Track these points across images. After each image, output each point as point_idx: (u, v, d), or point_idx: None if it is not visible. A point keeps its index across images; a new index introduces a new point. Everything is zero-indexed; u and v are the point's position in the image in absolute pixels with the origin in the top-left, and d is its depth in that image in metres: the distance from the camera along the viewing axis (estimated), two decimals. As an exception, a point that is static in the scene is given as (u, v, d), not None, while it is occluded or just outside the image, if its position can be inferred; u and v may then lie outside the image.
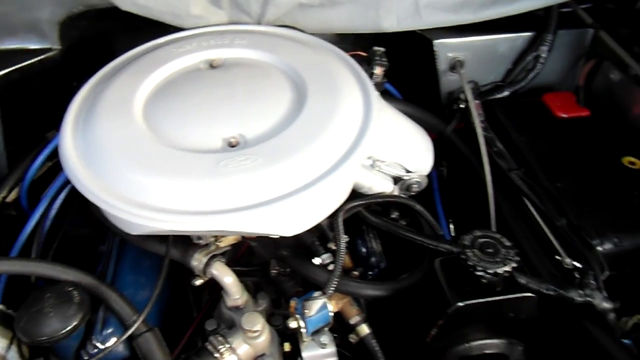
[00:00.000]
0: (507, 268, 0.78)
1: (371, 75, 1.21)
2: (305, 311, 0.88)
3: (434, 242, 0.94)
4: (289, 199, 0.84)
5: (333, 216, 0.98)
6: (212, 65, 1.11)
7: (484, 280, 0.79)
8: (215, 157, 0.87)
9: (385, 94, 1.34)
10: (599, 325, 0.90)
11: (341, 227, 0.96)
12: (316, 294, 0.88)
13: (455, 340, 0.85)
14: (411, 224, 1.13)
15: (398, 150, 1.09)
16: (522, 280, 0.89)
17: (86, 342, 0.90)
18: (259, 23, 1.26)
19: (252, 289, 1.13)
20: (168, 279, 0.99)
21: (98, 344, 0.89)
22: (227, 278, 0.96)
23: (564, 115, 1.31)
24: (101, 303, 0.92)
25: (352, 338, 0.97)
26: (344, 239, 0.95)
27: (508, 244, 0.81)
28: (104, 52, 1.25)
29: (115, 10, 1.20)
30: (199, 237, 1.01)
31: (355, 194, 1.03)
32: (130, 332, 0.87)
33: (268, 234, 0.91)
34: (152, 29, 1.24)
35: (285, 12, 1.26)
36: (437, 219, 1.32)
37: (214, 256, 0.97)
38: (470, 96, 1.26)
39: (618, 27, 1.29)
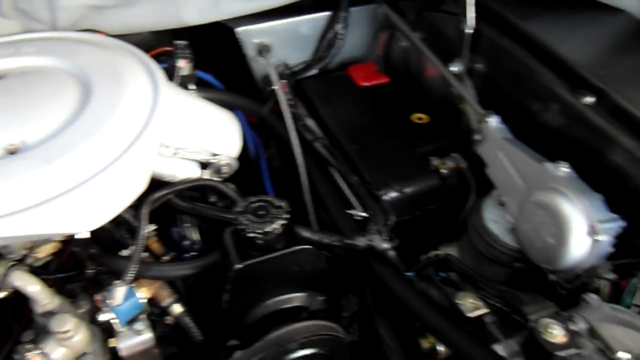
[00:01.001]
0: (275, 226, 0.85)
1: (175, 68, 1.26)
2: (109, 301, 0.90)
3: (228, 215, 1.00)
4: (71, 193, 0.85)
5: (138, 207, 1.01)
6: (-3, 77, 1.09)
7: (260, 241, 0.86)
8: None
9: (201, 85, 1.39)
10: (384, 264, 1.00)
11: (144, 217, 0.99)
12: (116, 282, 0.91)
13: (249, 302, 0.91)
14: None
15: (201, 136, 1.14)
16: (307, 235, 0.97)
17: None
18: (53, 29, 1.25)
19: (80, 293, 1.13)
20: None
21: None
22: (31, 286, 0.96)
23: (366, 84, 1.43)
24: None
25: (168, 320, 1.01)
26: (147, 228, 0.98)
27: (279, 204, 0.89)
28: None
29: None
30: (10, 252, 1.00)
31: (162, 183, 1.07)
32: None
33: (61, 233, 0.92)
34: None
35: (80, 16, 1.26)
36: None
37: (13, 265, 0.96)
38: (275, 78, 1.34)
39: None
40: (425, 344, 0.94)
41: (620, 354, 0.70)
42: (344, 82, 1.44)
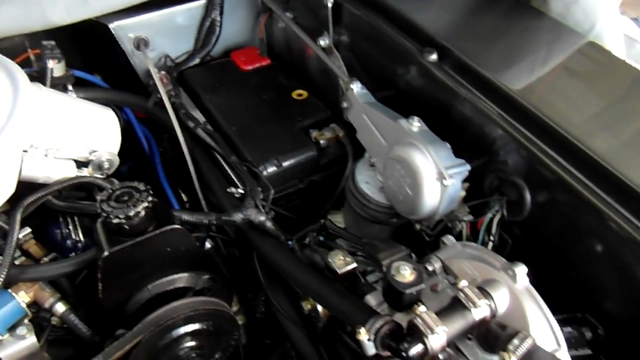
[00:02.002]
0: (138, 209, 0.86)
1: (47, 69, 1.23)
2: (-20, 310, 0.89)
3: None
4: None
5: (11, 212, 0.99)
6: None
7: (126, 227, 0.87)
8: None
9: (82, 84, 1.37)
10: (264, 236, 1.04)
11: (16, 221, 0.97)
12: (-15, 290, 0.89)
13: (129, 289, 0.92)
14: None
15: (75, 134, 1.12)
16: (184, 217, 0.99)
17: None
18: None
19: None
20: None
21: None
22: None
23: (248, 68, 1.45)
24: None
25: (54, 320, 1.00)
26: (20, 232, 0.97)
27: (142, 188, 0.90)
28: None
29: None
30: None
31: (39, 185, 1.06)
32: None
33: None
34: None
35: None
36: (163, 190, 1.41)
37: None
38: (153, 70, 1.33)
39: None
40: (306, 306, 0.98)
41: (461, 282, 0.76)
42: (227, 68, 1.46)
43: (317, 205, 1.23)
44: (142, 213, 0.87)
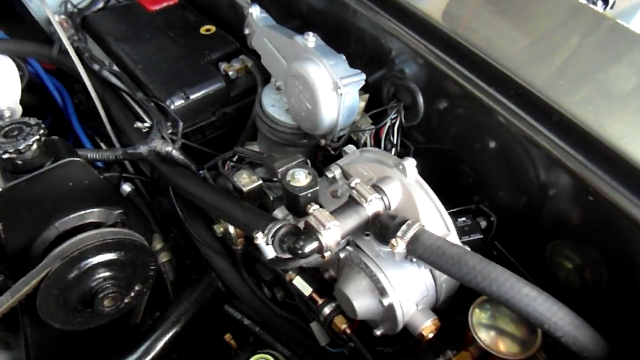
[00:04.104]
0: (28, 142, 0.84)
1: None
2: None
3: None
4: None
5: None
6: None
7: (19, 162, 0.85)
8: None
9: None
10: (174, 166, 1.03)
11: None
12: None
13: (33, 228, 0.90)
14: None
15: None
16: (89, 155, 0.98)
17: None
18: None
19: None
20: None
21: None
22: None
23: (155, 8, 1.41)
24: None
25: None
26: None
27: (33, 122, 0.88)
28: None
29: None
30: None
31: None
32: None
33: None
34: None
35: None
36: (80, 142, 1.38)
37: None
38: (50, 14, 1.27)
39: None
40: (218, 229, 1.00)
41: (353, 181, 0.78)
42: (132, 10, 1.41)
43: (233, 137, 1.23)
44: (34, 146, 0.85)
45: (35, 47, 1.35)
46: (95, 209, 0.97)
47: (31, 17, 1.43)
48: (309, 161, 0.85)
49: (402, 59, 0.96)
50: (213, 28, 1.32)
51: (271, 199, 0.97)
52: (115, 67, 1.24)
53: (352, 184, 0.78)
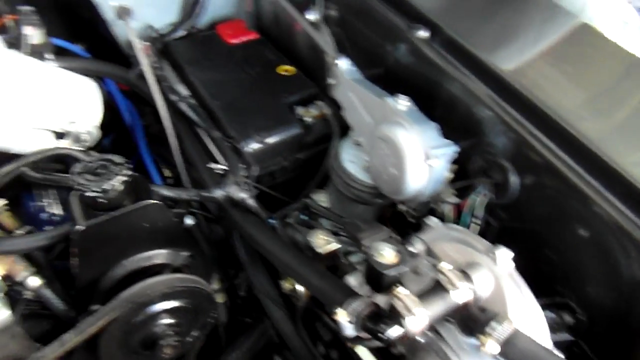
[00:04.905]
0: (114, 183, 0.84)
1: (22, 36, 1.19)
2: (-47, 282, 0.86)
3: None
4: None
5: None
6: None
7: (102, 200, 0.84)
8: None
9: (62, 54, 1.32)
10: (245, 214, 1.02)
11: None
12: (-48, 261, 0.87)
13: (104, 264, 0.89)
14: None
15: (53, 105, 1.09)
16: (163, 192, 0.97)
17: None
18: None
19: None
20: None
21: None
22: None
23: (235, 41, 1.41)
24: None
25: (27, 294, 0.98)
26: (-3, 202, 0.94)
27: (119, 161, 0.87)
28: None
29: None
30: None
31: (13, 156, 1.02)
32: None
33: None
34: None
35: None
36: (144, 164, 1.38)
37: None
38: (134, 40, 1.29)
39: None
40: (286, 285, 0.97)
41: (442, 264, 0.74)
42: (212, 41, 1.41)
43: (301, 183, 1.21)
44: (119, 187, 0.84)
45: (115, 68, 1.37)
46: (165, 250, 0.96)
47: (112, 36, 1.45)
48: (397, 237, 0.82)
49: (494, 132, 0.93)
50: (291, 69, 1.32)
51: (343, 261, 0.94)
52: (192, 100, 1.24)
53: (441, 268, 0.75)
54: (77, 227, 0.83)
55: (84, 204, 0.88)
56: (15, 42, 1.20)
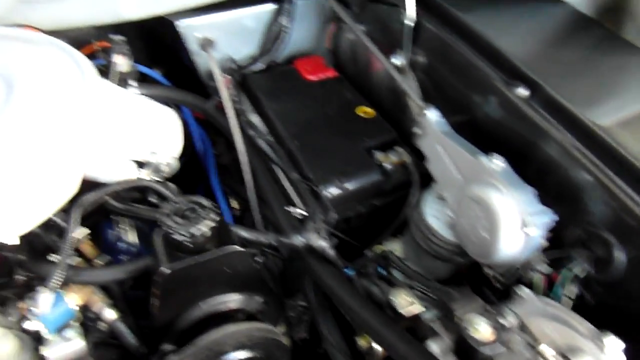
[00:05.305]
0: (202, 228, 0.83)
1: (112, 64, 1.22)
2: (35, 309, 0.87)
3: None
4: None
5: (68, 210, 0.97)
6: None
7: (188, 244, 0.84)
8: None
9: (144, 80, 1.35)
10: (322, 263, 0.99)
11: (74, 221, 0.96)
12: (40, 288, 0.88)
13: (181, 306, 0.89)
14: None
15: (138, 134, 1.10)
16: (243, 234, 0.95)
17: None
18: (-20, 24, 1.19)
19: (12, 299, 1.09)
20: None
21: None
22: (-42, 296, 0.92)
23: (313, 78, 1.41)
24: None
25: (102, 326, 0.98)
26: (77, 231, 0.95)
27: (207, 205, 0.87)
28: None
29: None
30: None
31: (96, 184, 1.04)
32: None
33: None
34: None
35: (10, 9, 1.20)
36: (214, 195, 1.38)
37: None
38: (216, 73, 1.30)
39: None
40: (362, 342, 0.94)
41: (542, 347, 0.70)
42: (290, 76, 1.41)
43: (374, 230, 1.18)
44: (207, 232, 0.84)
45: (193, 98, 1.38)
46: (241, 295, 0.95)
47: (192, 64, 1.47)
48: (492, 311, 0.77)
49: (595, 199, 0.88)
50: (371, 111, 1.30)
51: (425, 323, 0.90)
52: (270, 137, 1.24)
53: (541, 351, 0.70)
54: (163, 269, 0.82)
55: (168, 244, 0.88)
56: (104, 70, 1.23)
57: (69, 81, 1.03)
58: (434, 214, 1.03)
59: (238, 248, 0.87)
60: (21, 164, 0.87)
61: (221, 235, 0.89)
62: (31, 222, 0.90)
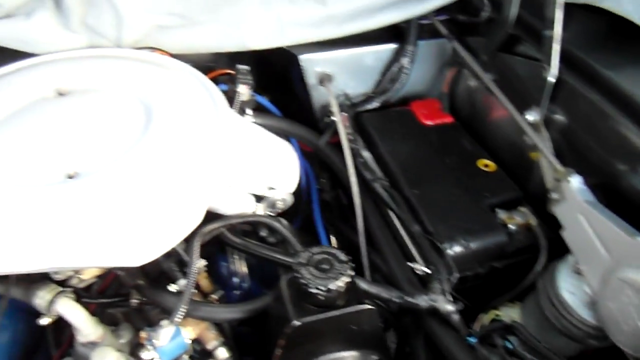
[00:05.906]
0: (339, 283, 0.80)
1: (236, 93, 1.22)
2: (155, 341, 0.86)
3: (287, 260, 0.95)
4: (126, 224, 0.82)
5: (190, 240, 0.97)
6: (60, 93, 1.07)
7: (321, 297, 0.80)
8: (50, 191, 0.84)
9: (259, 110, 1.35)
10: (445, 327, 0.93)
11: (196, 252, 0.95)
12: (164, 322, 0.87)
13: (300, 358, 0.85)
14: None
15: (259, 168, 1.09)
16: (365, 287, 0.92)
17: None
18: (118, 46, 1.23)
19: (121, 319, 1.10)
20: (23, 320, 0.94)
21: None
22: (75, 314, 0.93)
23: (430, 123, 1.36)
24: None
25: (212, 363, 0.97)
26: (198, 263, 0.94)
27: (343, 258, 0.83)
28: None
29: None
30: (56, 272, 0.98)
31: (214, 215, 1.03)
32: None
33: (112, 265, 0.88)
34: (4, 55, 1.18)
35: (144, 34, 1.23)
36: (317, 232, 1.36)
37: (60, 292, 0.93)
38: (336, 109, 1.28)
39: (470, 36, 1.36)
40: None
41: None
42: (406, 119, 1.38)
43: (489, 293, 1.11)
44: (342, 288, 0.80)
45: (306, 132, 1.37)
46: (357, 352, 0.90)
47: (305, 97, 1.45)
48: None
49: None
50: (492, 165, 1.23)
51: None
52: (386, 182, 1.20)
53: None
54: (294, 322, 0.79)
55: (295, 292, 0.85)
56: (227, 98, 1.24)
57: (203, 111, 1.04)
58: (570, 289, 0.96)
59: (370, 306, 0.83)
60: (155, 191, 0.87)
61: (350, 292, 0.85)
62: (159, 250, 0.90)
